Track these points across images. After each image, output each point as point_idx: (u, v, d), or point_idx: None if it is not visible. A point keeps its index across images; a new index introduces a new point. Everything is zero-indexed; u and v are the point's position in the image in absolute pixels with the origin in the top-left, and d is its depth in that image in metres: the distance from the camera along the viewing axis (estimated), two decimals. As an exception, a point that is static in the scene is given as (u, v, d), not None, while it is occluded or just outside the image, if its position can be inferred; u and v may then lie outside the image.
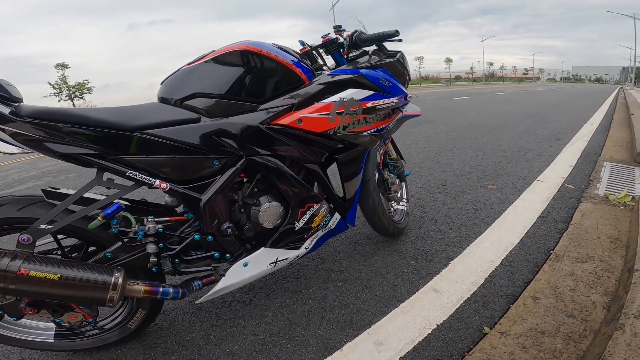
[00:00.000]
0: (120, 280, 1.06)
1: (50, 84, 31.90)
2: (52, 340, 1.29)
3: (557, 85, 42.03)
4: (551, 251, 1.84)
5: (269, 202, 1.32)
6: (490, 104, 11.07)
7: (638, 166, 3.34)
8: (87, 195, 1.12)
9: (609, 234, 1.95)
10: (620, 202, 2.40)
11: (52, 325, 1.30)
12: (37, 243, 1.07)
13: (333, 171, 1.54)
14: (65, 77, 32.33)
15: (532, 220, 2.22)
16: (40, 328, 1.31)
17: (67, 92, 32.44)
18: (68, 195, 1.10)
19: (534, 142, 4.62)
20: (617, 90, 20.62)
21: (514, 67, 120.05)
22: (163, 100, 1.25)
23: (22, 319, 1.25)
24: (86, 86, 33.29)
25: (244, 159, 1.24)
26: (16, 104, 1.01)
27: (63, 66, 32.12)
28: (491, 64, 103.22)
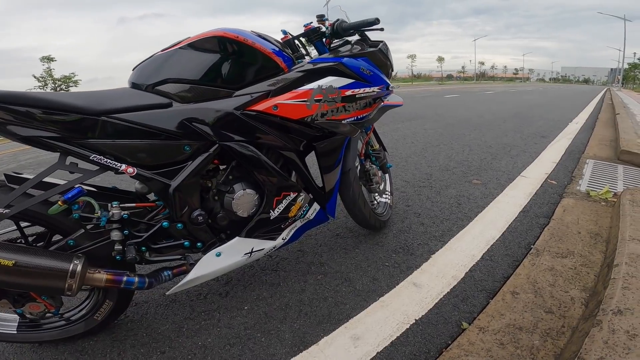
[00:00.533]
0: (79, 268, 1.02)
1: (35, 77, 31.26)
2: (15, 332, 1.25)
3: (545, 85, 42.56)
4: (532, 246, 1.83)
5: (244, 189, 1.28)
6: (479, 103, 11.14)
7: (621, 164, 3.38)
8: (48, 180, 1.08)
9: (590, 230, 1.95)
10: (601, 198, 2.41)
11: (15, 317, 1.25)
12: (2, 231, 1.05)
13: (313, 162, 1.51)
14: (50, 70, 31.70)
15: (514, 215, 2.22)
16: (2, 319, 1.26)
17: (53, 85, 31.80)
18: (29, 179, 1.05)
19: (519, 139, 4.66)
20: (604, 91, 20.94)
21: (505, 67, 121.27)
22: (134, 85, 1.22)
23: None
24: (72, 79, 32.69)
25: (217, 145, 1.20)
26: None
27: (49, 59, 31.51)
28: (482, 64, 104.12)
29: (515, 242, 1.90)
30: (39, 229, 1.18)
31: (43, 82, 31.55)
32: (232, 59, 1.23)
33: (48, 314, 1.20)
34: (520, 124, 6.04)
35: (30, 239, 1.16)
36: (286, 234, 1.47)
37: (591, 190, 2.57)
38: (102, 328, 1.34)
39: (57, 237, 1.17)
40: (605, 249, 1.75)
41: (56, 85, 31.82)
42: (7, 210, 0.99)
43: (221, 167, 1.33)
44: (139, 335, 1.35)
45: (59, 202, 1.03)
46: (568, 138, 4.73)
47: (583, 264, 1.62)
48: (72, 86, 32.63)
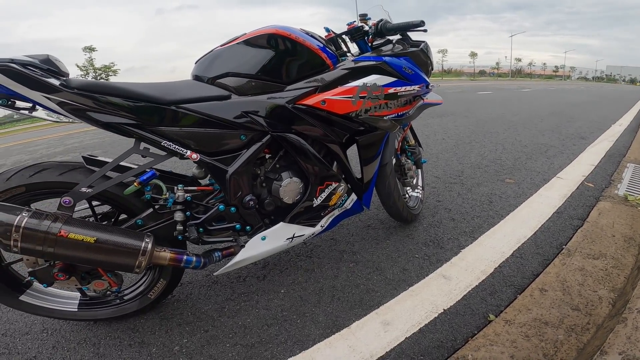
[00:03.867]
0: (149, 246, 1.12)
1: (77, 66, 32.80)
2: (76, 310, 1.34)
3: (588, 84, 40.51)
4: (563, 246, 1.84)
5: (290, 177, 1.38)
6: (514, 100, 10.78)
7: (663, 168, 3.26)
8: (123, 163, 1.20)
9: (624, 233, 1.94)
10: (639, 203, 2.36)
11: (77, 294, 1.36)
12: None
13: (353, 154, 1.58)
14: (92, 59, 33.19)
15: (548, 215, 2.22)
16: (65, 297, 1.36)
17: (94, 73, 33.22)
18: (106, 162, 1.17)
19: (557, 140, 4.53)
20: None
21: (544, 64, 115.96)
22: (197, 78, 1.33)
23: (49, 288, 1.30)
24: (112, 69, 34.04)
25: (269, 135, 1.30)
26: (64, 78, 1.09)
27: (90, 49, 33.00)
28: (519, 60, 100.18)
29: (547, 241, 1.91)
30: (106, 208, 1.29)
31: (85, 71, 33.00)
32: (284, 55, 1.31)
33: (108, 292, 1.29)
34: (559, 124, 5.84)
35: (98, 217, 1.28)
36: (325, 221, 1.56)
37: (629, 194, 2.51)
38: (153, 307, 1.45)
39: (122, 216, 1.29)
40: (637, 253, 1.74)
41: (97, 74, 33.24)
42: (89, 190, 1.11)
43: (268, 156, 1.43)
44: (185, 315, 1.46)
45: (135, 184, 1.15)
46: (609, 140, 4.55)
47: (614, 266, 1.63)
48: (111, 75, 34.02)
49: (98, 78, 32.97)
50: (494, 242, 1.92)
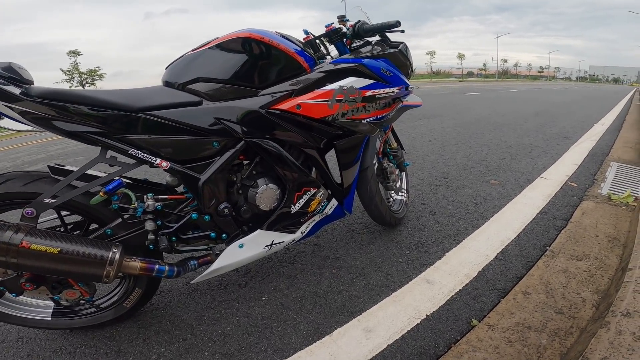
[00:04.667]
0: (117, 256, 1.09)
1: (62, 71, 32.34)
2: (50, 319, 1.31)
3: (572, 84, 41.19)
4: (547, 247, 1.84)
5: (267, 184, 1.35)
6: (500, 101, 10.92)
7: (645, 167, 3.30)
8: (90, 172, 1.16)
9: (608, 233, 1.94)
10: (622, 202, 2.38)
11: (50, 304, 1.32)
12: (41, 219, 1.09)
13: (332, 158, 1.55)
14: (77, 63, 32.74)
15: (531, 216, 2.22)
16: (38, 306, 1.33)
17: (79, 78, 32.78)
18: (73, 171, 1.13)
19: (541, 140, 4.58)
20: (633, 92, 20.17)
21: (529, 64, 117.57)
22: (167, 84, 1.29)
23: (21, 297, 1.27)
24: (97, 73, 33.64)
25: (243, 142, 1.27)
26: (27, 86, 1.05)
27: (75, 53, 32.58)
28: (505, 61, 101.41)
29: (531, 243, 1.91)
30: (76, 217, 1.25)
31: (70, 76, 32.55)
32: (258, 59, 1.28)
33: (82, 301, 1.26)
34: (543, 124, 5.92)
35: (69, 227, 1.24)
36: (305, 227, 1.53)
37: (613, 193, 2.53)
38: (129, 315, 1.41)
39: (93, 226, 1.25)
40: (622, 253, 1.74)
41: (82, 79, 32.79)
42: (53, 200, 1.07)
43: (245, 163, 1.39)
44: (163, 323, 1.42)
45: (101, 193, 1.11)
46: (592, 140, 4.62)
47: (598, 267, 1.63)
48: (97, 79, 33.58)
49: (83, 83, 32.58)
50: (478, 244, 1.90)
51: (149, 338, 1.35)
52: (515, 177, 3.05)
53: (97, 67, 33.76)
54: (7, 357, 1.28)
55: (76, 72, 32.70)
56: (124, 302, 1.35)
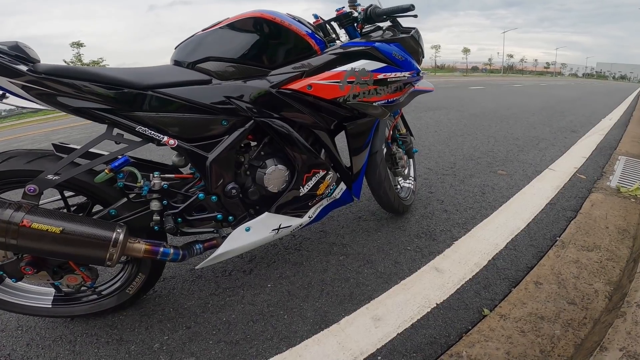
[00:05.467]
0: (121, 237, 1.05)
1: (65, 62, 32.40)
2: (50, 306, 1.28)
3: (578, 81, 40.80)
4: (557, 238, 1.81)
5: (275, 165, 1.32)
6: (505, 95, 10.81)
7: (654, 161, 3.25)
8: (94, 150, 1.13)
9: (618, 225, 1.91)
10: (631, 195, 2.34)
11: (51, 290, 1.30)
12: (44, 201, 1.07)
13: (342, 143, 1.52)
14: (80, 55, 32.75)
15: (541, 207, 2.18)
16: (38, 293, 1.30)
17: (82, 69, 33.06)
18: (77, 149, 1.10)
19: (548, 133, 4.52)
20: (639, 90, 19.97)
21: (535, 60, 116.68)
22: (176, 63, 1.27)
23: (21, 283, 1.24)
24: (100, 64, 33.73)
25: (252, 121, 1.24)
26: (33, 64, 1.02)
27: (78, 44, 32.59)
28: (511, 56, 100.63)
29: (541, 233, 1.88)
30: (80, 199, 1.22)
31: (72, 67, 32.67)
32: (269, 40, 1.26)
33: (83, 287, 1.23)
34: (550, 118, 5.85)
35: (72, 209, 1.21)
36: (312, 212, 1.50)
37: (621, 186, 2.49)
38: (132, 302, 1.38)
39: (97, 207, 1.22)
40: (632, 245, 1.71)
41: (84, 70, 32.91)
42: (56, 177, 1.04)
43: (253, 143, 1.37)
44: (166, 310, 1.40)
45: (106, 171, 1.08)
46: (600, 134, 4.56)
47: (609, 258, 1.60)
48: (100, 71, 33.69)
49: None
50: (487, 234, 1.87)
51: (152, 326, 1.32)
52: (523, 168, 3.01)
53: (100, 59, 33.84)
54: (7, 346, 1.26)
55: (79, 63, 32.76)
56: (126, 288, 1.32)
